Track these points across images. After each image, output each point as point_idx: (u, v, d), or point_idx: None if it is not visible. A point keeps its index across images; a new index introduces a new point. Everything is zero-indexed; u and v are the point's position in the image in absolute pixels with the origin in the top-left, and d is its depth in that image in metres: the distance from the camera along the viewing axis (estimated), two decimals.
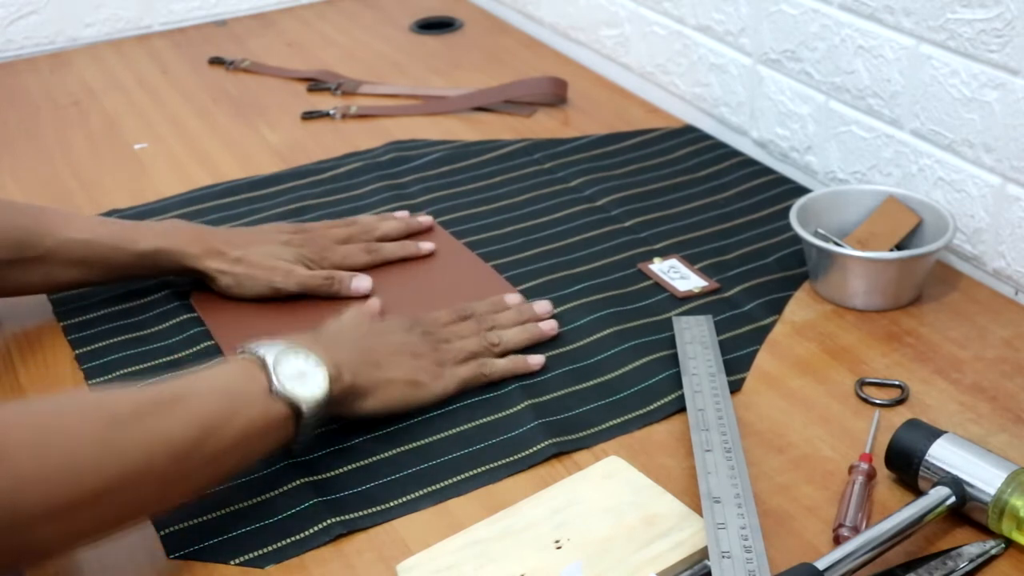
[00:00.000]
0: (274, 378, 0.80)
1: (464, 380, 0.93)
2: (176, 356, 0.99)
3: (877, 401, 0.91)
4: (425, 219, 1.17)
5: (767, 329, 1.01)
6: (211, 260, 1.04)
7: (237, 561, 0.79)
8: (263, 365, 0.80)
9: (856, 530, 0.78)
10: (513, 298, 1.03)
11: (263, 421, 0.79)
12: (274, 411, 0.79)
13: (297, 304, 1.06)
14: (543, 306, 1.02)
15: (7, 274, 0.99)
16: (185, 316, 1.04)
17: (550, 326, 1.00)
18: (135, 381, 0.96)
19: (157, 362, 0.99)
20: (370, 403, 0.88)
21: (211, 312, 1.04)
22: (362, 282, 1.06)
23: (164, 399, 0.75)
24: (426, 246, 1.13)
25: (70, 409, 0.72)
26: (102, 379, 0.97)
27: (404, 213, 1.18)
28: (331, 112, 1.44)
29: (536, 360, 0.96)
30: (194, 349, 1.00)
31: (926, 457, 0.80)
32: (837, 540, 0.78)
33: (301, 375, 0.81)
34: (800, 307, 1.04)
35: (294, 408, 0.80)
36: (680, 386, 0.92)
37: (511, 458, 0.87)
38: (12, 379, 0.98)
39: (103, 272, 1.03)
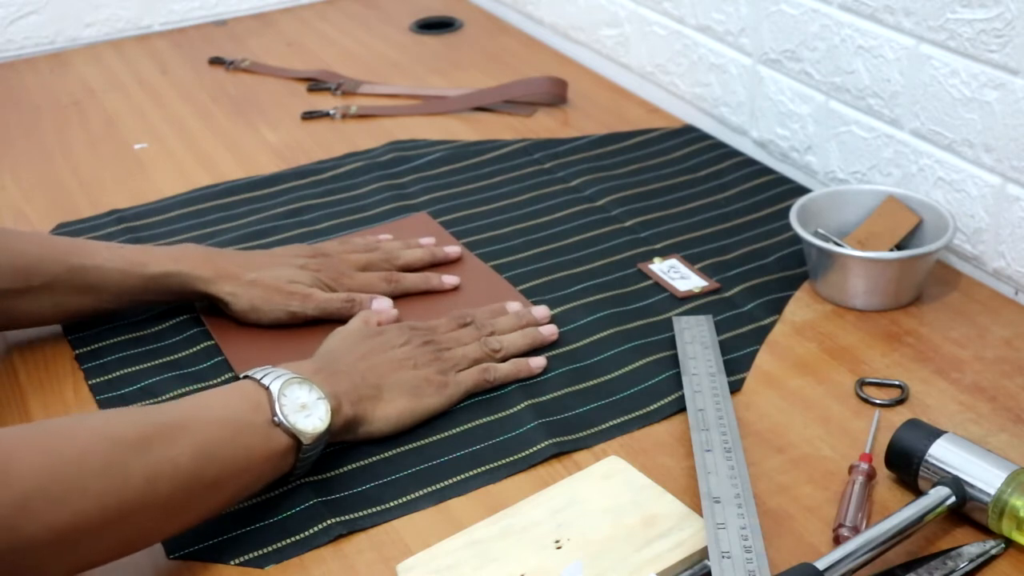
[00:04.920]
0: (277, 409, 0.80)
1: (469, 386, 0.93)
2: (176, 356, 0.99)
3: (877, 401, 0.91)
4: (453, 250, 1.12)
5: (767, 329, 1.01)
6: (224, 283, 1.00)
7: (237, 561, 0.79)
8: (267, 394, 0.80)
9: (856, 530, 0.78)
10: (513, 305, 1.02)
11: (264, 450, 0.79)
12: (275, 441, 0.80)
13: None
14: (541, 312, 1.02)
15: (16, 304, 0.96)
16: (185, 317, 1.04)
17: (550, 331, 0.99)
18: (135, 383, 0.96)
19: (157, 362, 0.99)
20: (376, 427, 0.88)
21: (211, 313, 1.04)
22: (382, 304, 1.02)
23: (168, 425, 0.75)
24: (450, 280, 1.08)
25: (77, 433, 0.72)
26: (102, 379, 0.97)
27: (430, 240, 1.13)
28: (331, 112, 1.44)
29: (538, 363, 0.96)
30: (194, 350, 1.00)
31: (926, 457, 0.80)
32: (837, 540, 0.78)
33: (304, 408, 0.81)
34: (800, 307, 1.04)
35: (295, 439, 0.80)
36: (680, 386, 0.92)
37: (511, 458, 0.87)
38: (12, 379, 0.98)
39: (114, 298, 0.99)
